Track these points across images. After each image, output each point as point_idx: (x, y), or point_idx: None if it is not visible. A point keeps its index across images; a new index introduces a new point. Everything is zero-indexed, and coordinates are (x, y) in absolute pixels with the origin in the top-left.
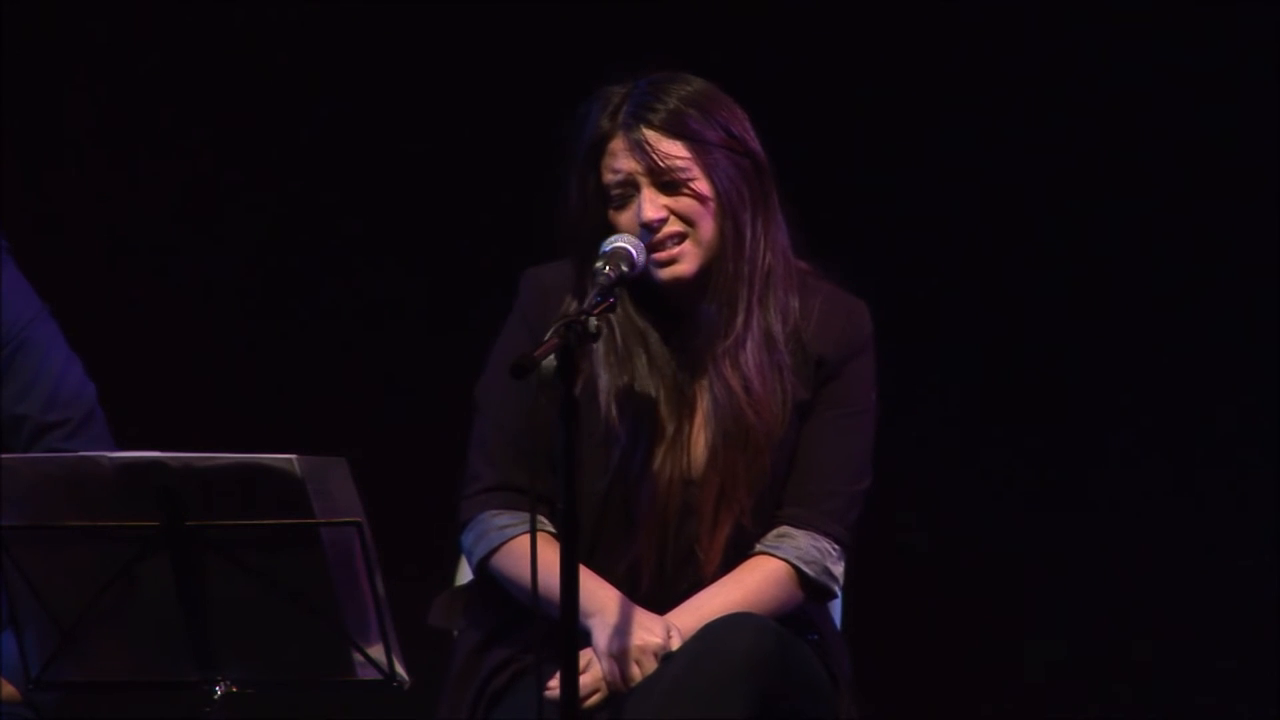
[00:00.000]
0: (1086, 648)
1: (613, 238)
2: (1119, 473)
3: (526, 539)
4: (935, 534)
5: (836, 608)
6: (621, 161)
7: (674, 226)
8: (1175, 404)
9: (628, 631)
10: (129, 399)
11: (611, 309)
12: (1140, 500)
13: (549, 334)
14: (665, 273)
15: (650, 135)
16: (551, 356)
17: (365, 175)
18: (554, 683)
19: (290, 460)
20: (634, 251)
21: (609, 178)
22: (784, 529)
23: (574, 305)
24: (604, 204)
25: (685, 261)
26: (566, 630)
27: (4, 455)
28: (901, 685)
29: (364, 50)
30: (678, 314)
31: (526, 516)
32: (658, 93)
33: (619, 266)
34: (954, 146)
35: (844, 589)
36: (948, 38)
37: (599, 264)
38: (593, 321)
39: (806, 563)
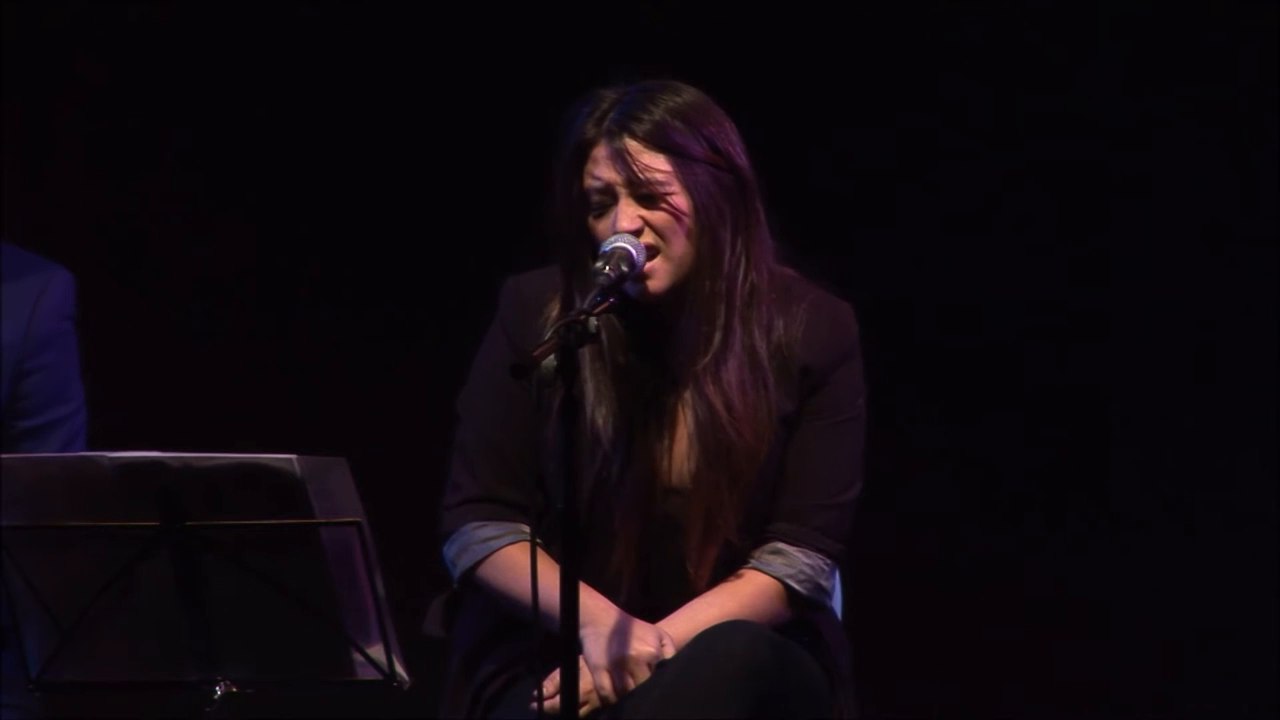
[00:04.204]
0: (1088, 648)
1: (613, 237)
2: (1121, 475)
3: (511, 551)
4: (936, 533)
5: (836, 604)
6: (602, 169)
7: (647, 239)
8: (1176, 410)
9: (620, 642)
10: (129, 399)
11: (612, 309)
12: (1142, 502)
13: (549, 334)
14: (636, 287)
15: (632, 146)
16: (551, 356)
17: (366, 175)
18: (547, 688)
19: (290, 460)
20: (634, 252)
21: (590, 183)
22: (777, 545)
23: (557, 310)
24: (585, 210)
25: (656, 278)
26: (567, 637)
27: (4, 455)
28: (902, 682)
29: (365, 51)
30: (661, 326)
31: (510, 528)
32: (645, 102)
33: (619, 267)
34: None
35: (842, 585)
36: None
37: (599, 264)
38: (593, 321)
39: (800, 581)
